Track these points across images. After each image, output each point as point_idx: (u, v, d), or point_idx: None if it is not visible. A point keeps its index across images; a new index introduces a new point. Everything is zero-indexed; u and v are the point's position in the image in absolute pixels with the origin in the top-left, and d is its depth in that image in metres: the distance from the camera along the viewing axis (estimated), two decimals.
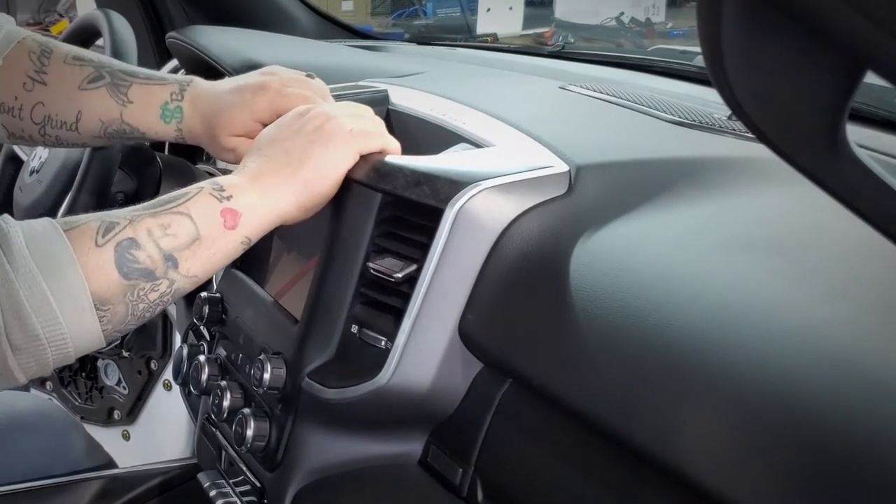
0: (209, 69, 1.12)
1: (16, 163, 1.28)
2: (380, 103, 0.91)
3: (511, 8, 2.06)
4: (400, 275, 0.66)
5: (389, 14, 3.34)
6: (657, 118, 0.88)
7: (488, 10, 2.05)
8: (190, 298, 0.75)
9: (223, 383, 0.81)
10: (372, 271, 0.69)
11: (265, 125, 0.79)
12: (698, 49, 0.32)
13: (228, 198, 0.67)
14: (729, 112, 0.85)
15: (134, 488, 1.24)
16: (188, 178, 1.12)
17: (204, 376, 0.83)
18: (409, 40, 1.78)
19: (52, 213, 1.09)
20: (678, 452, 0.49)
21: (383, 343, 0.68)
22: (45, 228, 0.61)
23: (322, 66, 0.97)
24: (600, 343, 0.56)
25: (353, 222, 0.71)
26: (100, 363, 1.41)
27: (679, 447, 0.49)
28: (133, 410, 1.38)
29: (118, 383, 1.40)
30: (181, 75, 1.04)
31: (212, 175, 1.12)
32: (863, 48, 0.27)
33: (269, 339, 0.78)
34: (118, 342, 1.31)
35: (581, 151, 0.72)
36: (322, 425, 0.72)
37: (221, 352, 0.86)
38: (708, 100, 0.96)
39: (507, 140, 0.77)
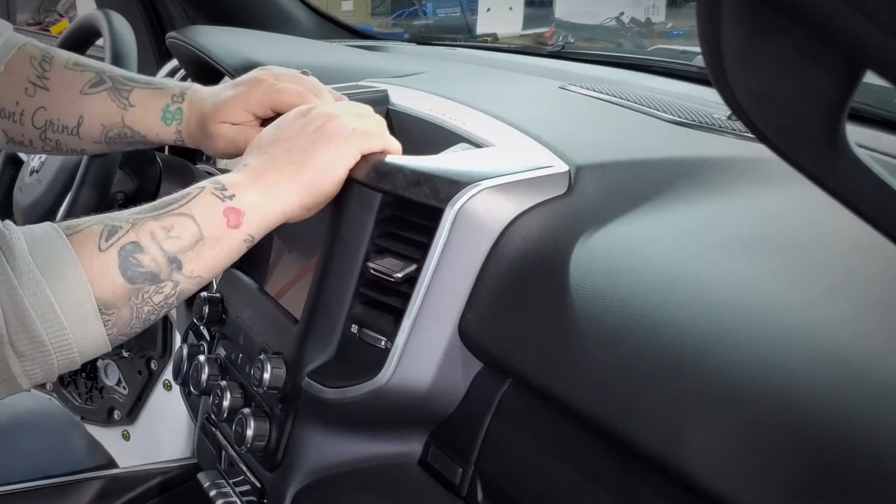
0: (209, 69, 1.12)
1: (16, 163, 1.28)
2: (380, 103, 0.91)
3: (511, 8, 2.05)
4: (400, 275, 0.66)
5: (389, 14, 3.34)
6: (657, 118, 0.88)
7: (488, 10, 2.05)
8: (190, 298, 0.75)
9: (223, 383, 0.81)
10: (372, 271, 0.69)
11: (257, 117, 0.79)
12: (698, 49, 0.32)
13: (231, 197, 0.66)
14: (729, 112, 0.85)
15: (134, 488, 1.24)
16: (188, 178, 1.12)
17: (204, 376, 0.83)
18: (409, 40, 1.78)
19: (52, 212, 1.09)
20: (678, 452, 0.49)
21: (383, 343, 0.68)
22: (48, 234, 0.61)
23: (322, 66, 0.97)
24: (600, 343, 0.56)
25: (353, 222, 0.71)
26: (100, 363, 1.41)
27: (679, 447, 0.49)
28: (133, 410, 1.38)
29: (118, 383, 1.40)
30: (181, 82, 1.04)
31: (212, 175, 1.12)
32: (863, 48, 0.27)
33: (269, 339, 0.78)
34: None
35: (581, 151, 0.72)
36: (322, 425, 0.72)
37: (221, 352, 0.86)
38: (708, 100, 0.96)
39: (506, 140, 0.77)
